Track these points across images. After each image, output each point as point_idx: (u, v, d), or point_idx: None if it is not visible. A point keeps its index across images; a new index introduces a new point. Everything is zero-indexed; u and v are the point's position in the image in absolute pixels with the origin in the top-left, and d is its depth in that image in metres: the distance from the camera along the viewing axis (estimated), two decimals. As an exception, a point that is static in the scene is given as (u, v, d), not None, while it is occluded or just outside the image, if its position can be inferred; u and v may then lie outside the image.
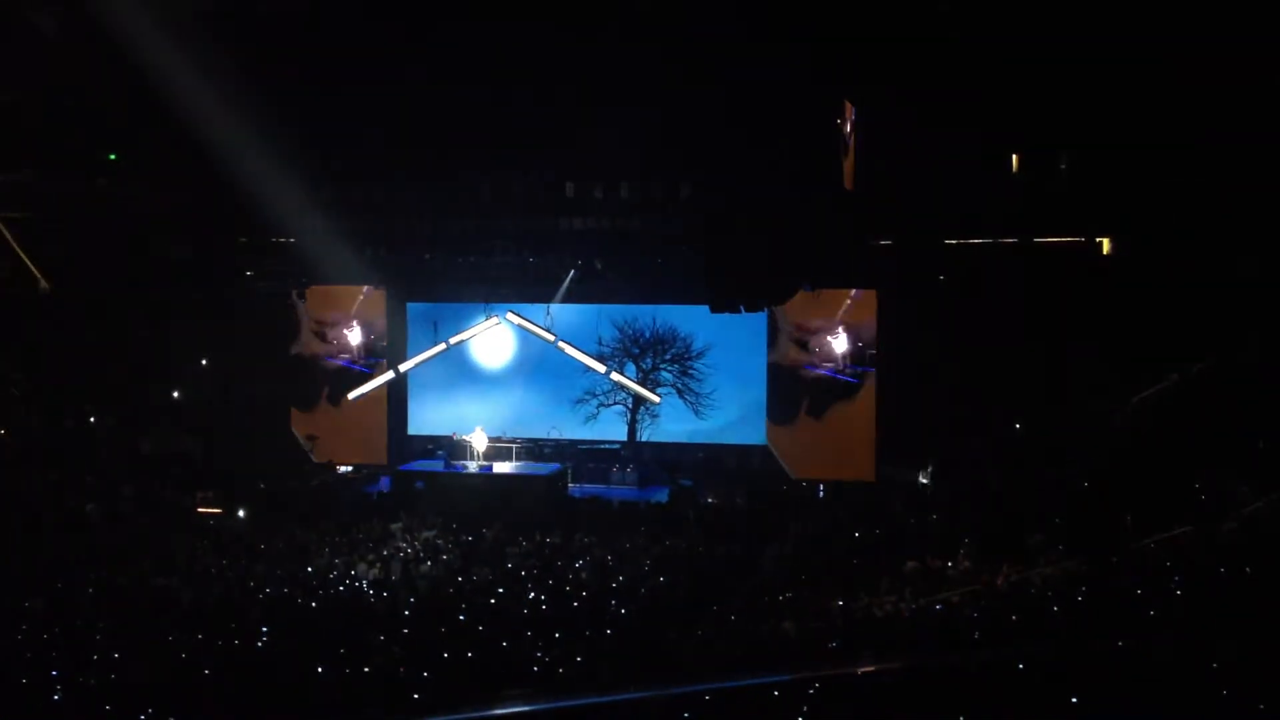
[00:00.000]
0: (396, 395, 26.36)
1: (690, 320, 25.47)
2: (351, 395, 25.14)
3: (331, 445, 25.58)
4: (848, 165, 20.75)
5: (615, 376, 25.13)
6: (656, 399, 25.39)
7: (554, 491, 22.18)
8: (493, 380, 26.32)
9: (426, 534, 19.06)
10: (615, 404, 26.02)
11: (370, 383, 25.25)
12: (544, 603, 14.64)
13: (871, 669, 10.59)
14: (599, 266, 25.08)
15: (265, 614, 14.27)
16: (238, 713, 10.77)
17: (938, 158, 20.29)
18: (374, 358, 26.15)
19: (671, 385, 25.84)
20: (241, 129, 20.80)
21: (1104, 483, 17.67)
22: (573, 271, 24.96)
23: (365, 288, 25.74)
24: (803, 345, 24.09)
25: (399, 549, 18.06)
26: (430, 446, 25.31)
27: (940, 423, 21.68)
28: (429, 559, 17.39)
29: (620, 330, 25.91)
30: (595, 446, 25.76)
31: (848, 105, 20.67)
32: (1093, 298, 21.14)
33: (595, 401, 26.04)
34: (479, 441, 22.75)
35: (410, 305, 26.81)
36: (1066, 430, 20.57)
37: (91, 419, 24.08)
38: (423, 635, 13.08)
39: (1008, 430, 22.15)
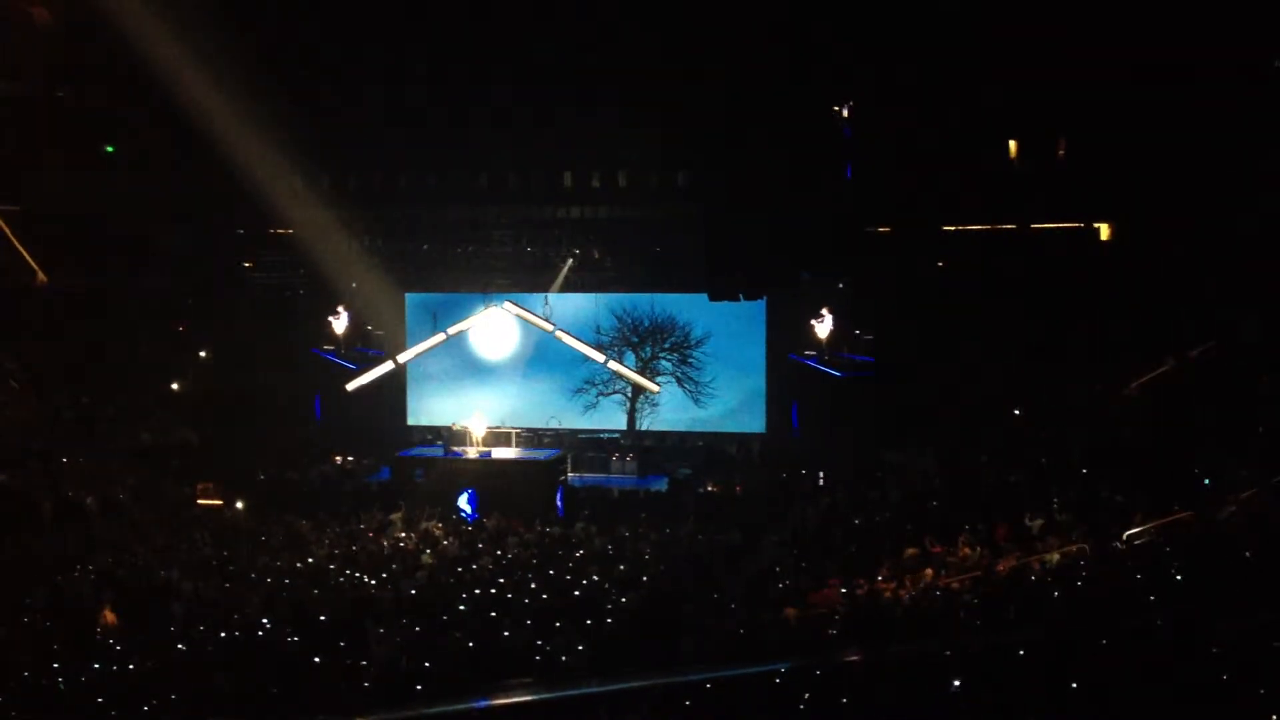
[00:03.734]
0: (394, 387, 26.39)
1: (689, 308, 25.45)
2: (350, 386, 25.12)
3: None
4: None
5: (614, 366, 25.10)
6: (656, 388, 25.37)
7: (553, 476, 22.13)
8: (492, 370, 26.29)
9: (426, 524, 19.07)
10: (614, 393, 26.02)
11: (368, 373, 25.22)
12: (544, 592, 14.65)
13: (872, 656, 10.61)
14: (596, 255, 25.07)
15: (265, 605, 14.28)
16: (239, 704, 10.79)
17: (935, 144, 20.27)
18: (366, 349, 26.15)
19: (671, 374, 25.82)
20: (239, 120, 20.77)
21: (1103, 468, 17.67)
22: (570, 260, 24.95)
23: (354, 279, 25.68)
24: (795, 333, 24.13)
25: (399, 540, 18.09)
26: (429, 437, 25.30)
27: (939, 409, 21.66)
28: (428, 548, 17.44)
29: (619, 319, 25.88)
30: (595, 436, 25.78)
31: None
32: (1091, 283, 21.12)
33: (594, 391, 26.04)
34: (477, 426, 22.67)
35: (409, 295, 26.80)
36: (1066, 416, 20.56)
37: (90, 411, 24.04)
38: (424, 626, 13.11)
39: (1007, 416, 22.14)
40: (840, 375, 23.22)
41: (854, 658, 10.70)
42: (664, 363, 25.88)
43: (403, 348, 25.94)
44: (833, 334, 23.47)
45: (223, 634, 13.14)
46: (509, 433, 23.21)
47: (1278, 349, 17.18)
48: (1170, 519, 14.05)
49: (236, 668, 11.65)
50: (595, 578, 15.31)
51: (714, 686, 9.67)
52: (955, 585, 13.71)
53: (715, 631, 12.46)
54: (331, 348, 26.08)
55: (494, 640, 12.38)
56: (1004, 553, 14.51)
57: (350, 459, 25.18)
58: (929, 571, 14.20)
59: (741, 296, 23.40)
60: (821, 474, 22.47)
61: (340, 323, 26.06)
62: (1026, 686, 9.14)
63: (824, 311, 23.51)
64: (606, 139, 22.06)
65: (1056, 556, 13.98)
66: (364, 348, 26.42)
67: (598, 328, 25.72)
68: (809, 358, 23.82)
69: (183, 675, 11.50)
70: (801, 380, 24.06)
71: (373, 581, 15.54)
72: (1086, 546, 13.96)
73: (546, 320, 24.77)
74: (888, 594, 13.61)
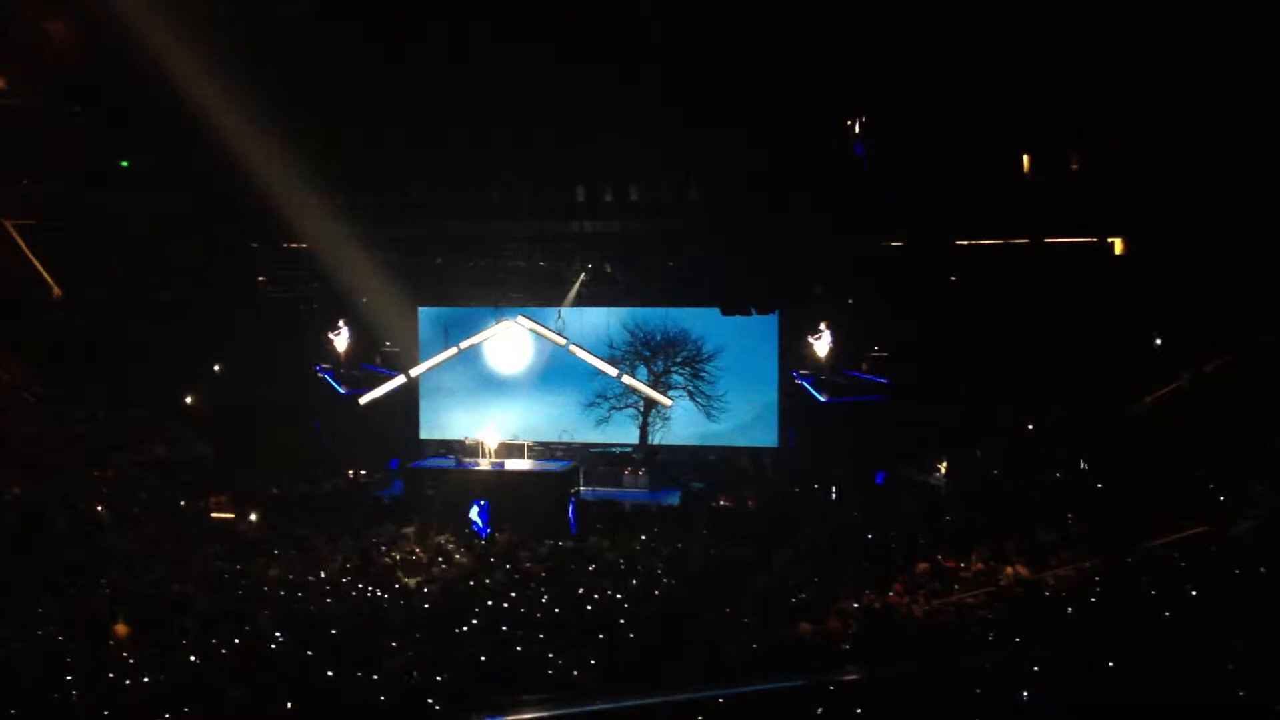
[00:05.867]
0: (407, 401, 26.41)
1: (702, 322, 25.41)
2: (363, 400, 25.15)
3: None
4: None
5: (627, 380, 25.11)
6: (668, 402, 25.34)
7: (565, 488, 22.11)
8: (504, 384, 26.28)
9: (438, 538, 19.06)
10: (627, 407, 25.98)
11: (380, 388, 25.25)
12: (556, 606, 14.64)
13: (886, 672, 10.58)
14: (609, 269, 25.07)
15: (278, 618, 14.29)
16: (251, 717, 10.80)
17: (948, 158, 20.22)
18: (373, 367, 26.13)
19: (683, 388, 25.78)
20: (253, 134, 20.84)
21: (1118, 483, 17.61)
22: (583, 274, 24.96)
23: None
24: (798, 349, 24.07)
25: (411, 554, 18.09)
26: (442, 450, 25.31)
27: (952, 424, 21.60)
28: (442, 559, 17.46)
29: (631, 333, 25.86)
30: (607, 450, 25.76)
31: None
32: (1105, 298, 21.04)
33: (607, 405, 25.99)
34: (490, 439, 22.65)
35: (422, 310, 26.81)
36: (1079, 431, 20.49)
37: (103, 424, 24.09)
38: (436, 639, 13.11)
39: (1020, 431, 22.06)
40: (824, 400, 23.13)
41: (868, 673, 10.68)
42: (676, 377, 25.84)
43: (415, 362, 25.97)
44: (832, 351, 23.34)
45: (235, 646, 13.15)
46: (521, 446, 23.21)
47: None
48: (1185, 534, 14.02)
49: (248, 680, 11.67)
50: (609, 591, 15.30)
51: (727, 702, 9.64)
52: (969, 600, 13.68)
53: (728, 646, 12.43)
54: (329, 366, 26.03)
55: (506, 654, 12.37)
56: (1017, 568, 14.48)
57: (363, 473, 25.20)
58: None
59: (754, 311, 23.36)
60: (835, 489, 22.45)
61: (341, 340, 26.00)
62: (1041, 702, 9.11)
63: (822, 327, 23.37)
64: (617, 151, 22.05)
65: (1070, 572, 13.96)
66: (370, 365, 26.37)
67: (610, 342, 25.70)
68: (805, 376, 23.73)
69: (195, 688, 11.52)
70: (805, 397, 24.00)
71: (385, 595, 15.56)
72: (1100, 562, 13.94)
73: (559, 334, 24.78)
74: (902, 609, 13.59)
